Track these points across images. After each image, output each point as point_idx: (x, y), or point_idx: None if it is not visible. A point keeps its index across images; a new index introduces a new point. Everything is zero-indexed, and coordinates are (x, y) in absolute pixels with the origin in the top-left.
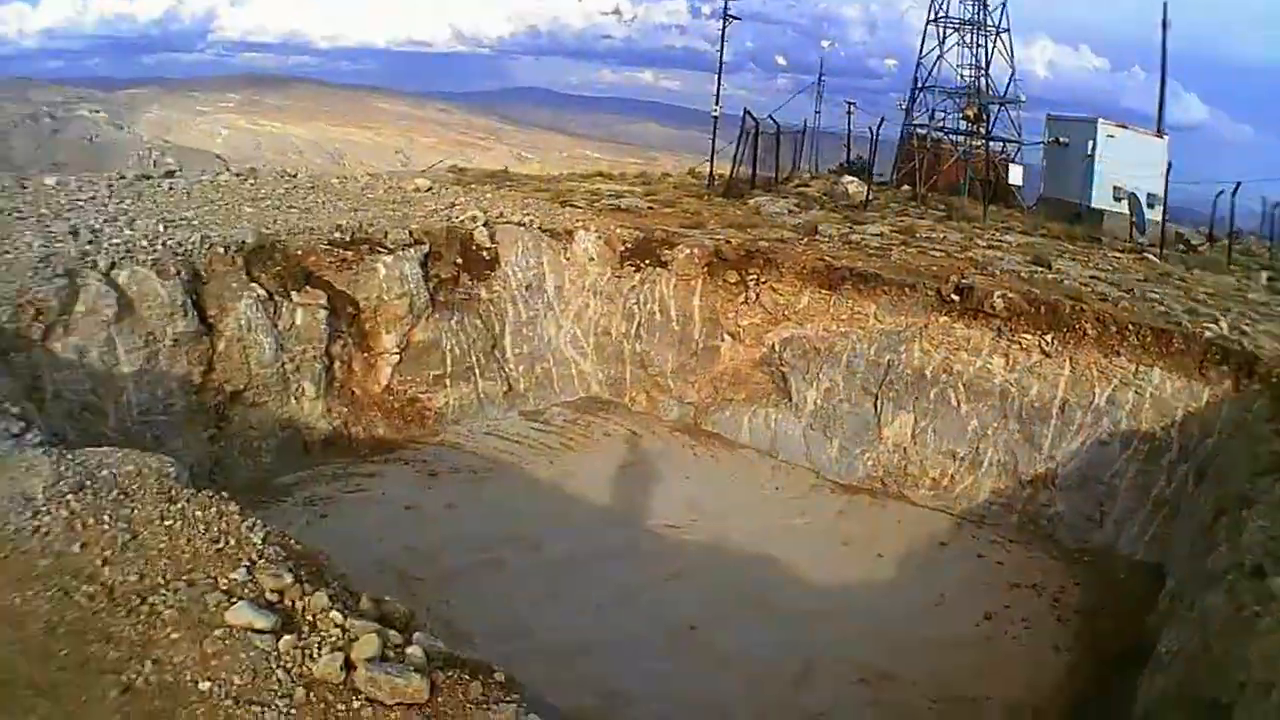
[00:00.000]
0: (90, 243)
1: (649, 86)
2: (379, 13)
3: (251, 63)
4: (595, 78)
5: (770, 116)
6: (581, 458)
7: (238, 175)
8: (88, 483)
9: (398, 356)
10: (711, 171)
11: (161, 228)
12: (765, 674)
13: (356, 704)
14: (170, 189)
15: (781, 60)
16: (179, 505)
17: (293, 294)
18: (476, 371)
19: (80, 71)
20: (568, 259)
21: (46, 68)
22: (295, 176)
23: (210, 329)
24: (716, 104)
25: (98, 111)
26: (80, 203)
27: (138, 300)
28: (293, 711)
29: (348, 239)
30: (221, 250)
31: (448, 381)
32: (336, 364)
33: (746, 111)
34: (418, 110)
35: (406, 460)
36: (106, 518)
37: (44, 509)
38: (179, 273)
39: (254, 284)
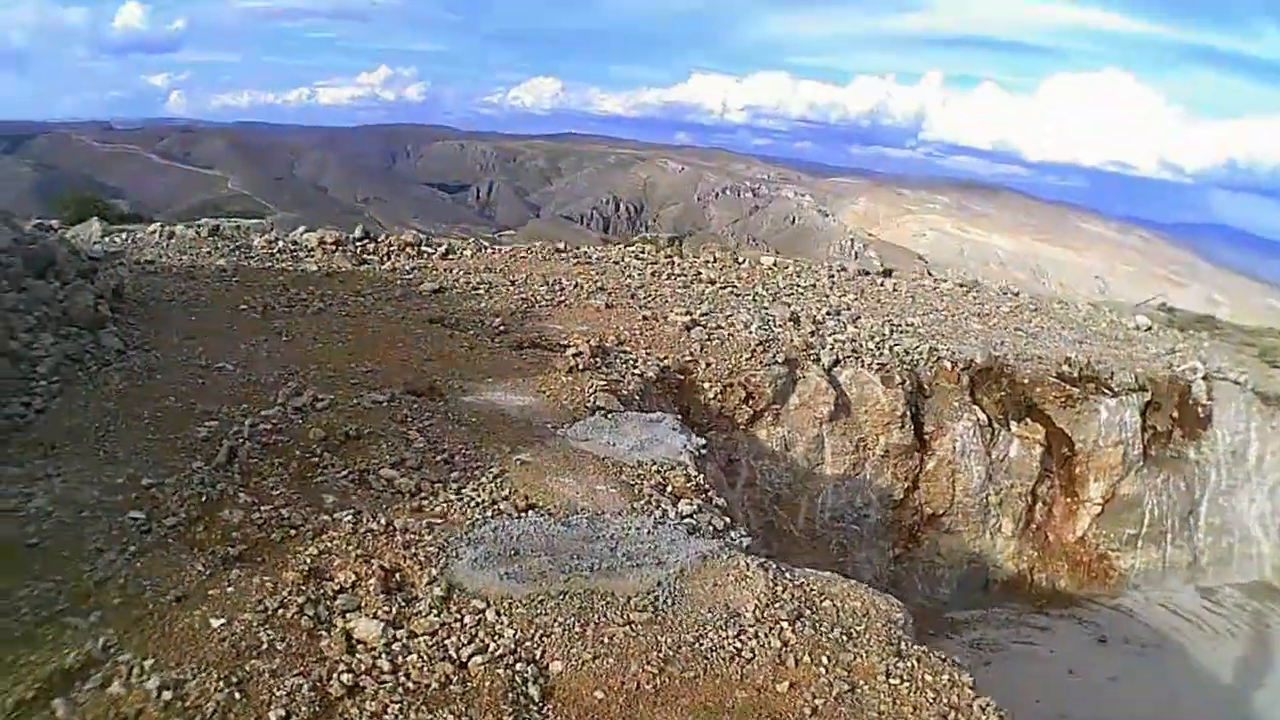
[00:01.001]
0: (813, 334)
1: None
2: (1090, 132)
3: (961, 166)
4: None
5: None
6: (1242, 648)
7: (961, 285)
8: (806, 611)
9: (1099, 508)
10: None
11: (887, 330)
12: None
13: None
14: (893, 289)
15: None
16: (908, 663)
17: (1012, 424)
18: (1168, 537)
19: (786, 153)
20: (1273, 428)
21: (750, 144)
22: (1018, 295)
23: (923, 445)
24: None
25: (803, 195)
26: (800, 288)
27: (856, 403)
28: None
29: (1075, 374)
30: (948, 365)
31: (1139, 543)
32: (1038, 505)
33: None
34: (1120, 235)
35: (1079, 619)
36: (825, 659)
37: (752, 631)
38: (903, 382)
39: (975, 406)
